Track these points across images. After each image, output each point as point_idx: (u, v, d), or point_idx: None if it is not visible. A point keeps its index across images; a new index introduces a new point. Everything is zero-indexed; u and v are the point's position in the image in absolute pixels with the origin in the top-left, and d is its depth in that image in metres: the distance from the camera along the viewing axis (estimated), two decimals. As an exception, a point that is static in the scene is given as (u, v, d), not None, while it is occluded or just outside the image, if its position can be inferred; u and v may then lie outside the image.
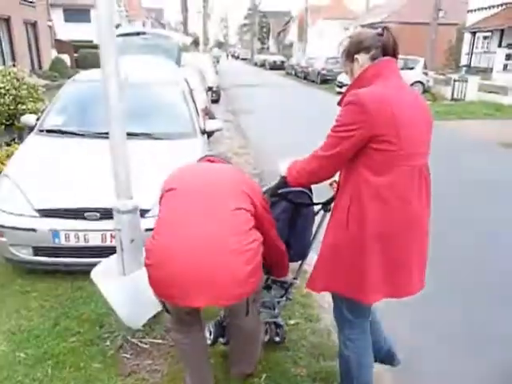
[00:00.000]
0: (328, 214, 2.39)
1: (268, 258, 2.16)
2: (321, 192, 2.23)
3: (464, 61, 23.52)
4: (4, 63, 10.50)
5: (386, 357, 2.29)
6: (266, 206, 2.08)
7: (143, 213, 3.01)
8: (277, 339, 2.60)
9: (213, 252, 1.73)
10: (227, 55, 75.66)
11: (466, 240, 4.33)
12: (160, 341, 2.63)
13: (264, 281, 2.43)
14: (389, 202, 1.72)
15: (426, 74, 17.76)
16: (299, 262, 2.53)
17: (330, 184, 2.17)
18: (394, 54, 1.83)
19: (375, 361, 2.23)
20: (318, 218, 2.40)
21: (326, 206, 2.32)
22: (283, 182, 2.08)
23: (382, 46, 1.80)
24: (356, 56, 1.84)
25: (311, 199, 2.32)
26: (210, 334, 2.48)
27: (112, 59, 2.32)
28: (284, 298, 2.59)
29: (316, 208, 2.39)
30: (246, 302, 1.94)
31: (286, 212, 2.33)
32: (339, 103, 1.85)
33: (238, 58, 73.81)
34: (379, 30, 1.83)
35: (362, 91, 1.72)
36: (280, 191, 2.19)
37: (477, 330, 2.96)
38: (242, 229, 1.81)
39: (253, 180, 2.21)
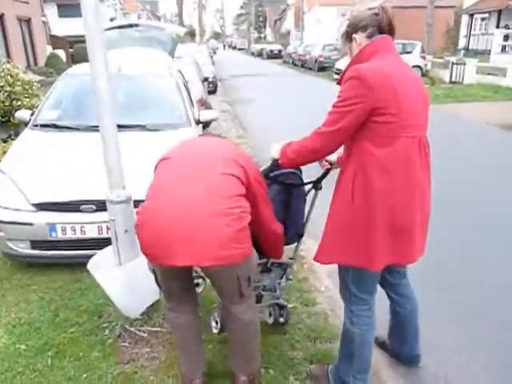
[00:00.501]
0: (318, 192, 2.44)
1: (262, 239, 2.19)
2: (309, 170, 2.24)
3: (462, 43, 23.37)
4: (-1, 60, 10.47)
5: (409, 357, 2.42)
6: (261, 180, 2.04)
7: (137, 203, 3.03)
8: (281, 320, 2.63)
9: (197, 211, 1.74)
10: (224, 46, 75.24)
11: (466, 221, 4.35)
12: (158, 329, 2.66)
13: (264, 264, 2.48)
14: (393, 173, 1.78)
15: (423, 57, 17.66)
16: (295, 244, 2.56)
17: (320, 162, 2.18)
18: (391, 33, 1.89)
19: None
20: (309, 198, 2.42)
21: (316, 184, 2.34)
22: (275, 164, 2.10)
23: (378, 24, 1.87)
24: (354, 35, 1.91)
25: (302, 179, 2.34)
26: (217, 323, 2.49)
27: (99, 51, 2.31)
28: (284, 279, 2.63)
29: (306, 188, 2.40)
30: (238, 281, 1.91)
31: (280, 194, 2.35)
32: (338, 82, 1.90)
33: (234, 48, 73.34)
34: (375, 10, 1.88)
35: (363, 66, 1.77)
36: (271, 174, 2.19)
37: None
38: (228, 193, 1.80)
39: (248, 154, 2.20)
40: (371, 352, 2.11)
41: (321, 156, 2.01)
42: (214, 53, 35.79)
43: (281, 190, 2.33)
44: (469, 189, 5.25)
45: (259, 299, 2.60)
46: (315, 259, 2.04)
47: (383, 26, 1.87)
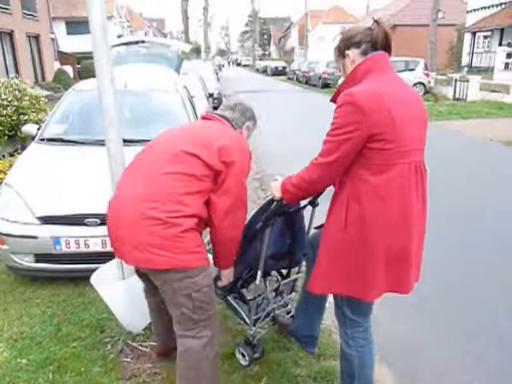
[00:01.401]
0: (317, 208, 2.43)
1: (212, 237, 2.04)
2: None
3: (465, 61, 23.54)
4: (8, 75, 10.62)
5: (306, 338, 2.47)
6: (245, 166, 2.00)
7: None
8: (256, 355, 2.52)
9: (126, 213, 1.86)
10: (228, 62, 76.13)
11: (479, 237, 4.32)
12: (160, 344, 2.64)
13: (276, 289, 2.56)
14: (388, 201, 1.70)
15: (427, 74, 17.79)
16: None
17: None
18: (387, 48, 1.80)
19: (296, 338, 2.48)
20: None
21: (313, 201, 2.35)
22: (281, 204, 2.05)
23: (373, 40, 1.77)
24: (347, 52, 1.82)
25: (299, 202, 2.34)
26: (244, 356, 2.47)
27: (106, 67, 2.35)
28: (293, 293, 2.71)
29: (302, 204, 2.40)
30: (174, 293, 1.88)
31: (285, 225, 2.37)
32: (332, 99, 1.85)
33: (239, 64, 74.22)
34: (370, 25, 1.80)
35: (356, 90, 1.68)
36: (277, 211, 2.15)
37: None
38: (166, 196, 1.82)
39: (240, 141, 2.06)
40: (372, 372, 2.06)
41: (320, 188, 1.89)
42: (220, 69, 36.22)
43: (285, 220, 2.34)
44: (474, 202, 5.23)
45: (274, 321, 2.70)
46: (308, 288, 1.96)
47: (378, 42, 1.78)
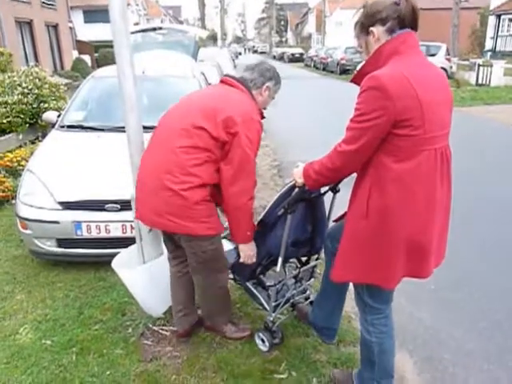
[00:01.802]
0: (338, 195, 2.39)
1: (224, 207, 2.21)
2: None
3: (489, 45, 22.88)
4: (27, 64, 10.75)
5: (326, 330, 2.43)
6: (252, 137, 2.08)
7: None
8: (276, 341, 2.53)
9: (149, 183, 2.13)
10: (245, 49, 75.60)
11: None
12: (180, 328, 2.67)
13: (295, 276, 2.56)
14: (412, 188, 1.64)
15: (448, 60, 17.35)
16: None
17: None
18: (413, 26, 1.67)
19: (315, 329, 2.45)
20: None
21: (334, 188, 2.31)
22: (303, 190, 2.02)
23: (400, 16, 1.64)
24: (371, 28, 1.69)
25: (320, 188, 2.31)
26: (263, 341, 2.48)
27: (126, 53, 2.34)
28: (312, 279, 2.69)
29: (323, 190, 2.37)
30: (190, 248, 2.22)
31: (306, 210, 2.34)
32: (353, 80, 1.77)
33: (256, 51, 73.62)
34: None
35: (382, 73, 1.57)
36: (299, 198, 2.13)
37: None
38: (178, 169, 2.04)
39: (247, 112, 2.10)
40: (392, 359, 2.04)
41: (343, 175, 1.84)
42: (236, 57, 36.01)
43: (306, 206, 2.31)
44: (496, 190, 5.12)
45: (293, 307, 2.69)
46: (331, 278, 1.95)
47: (405, 19, 1.64)
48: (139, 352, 2.48)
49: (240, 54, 57.64)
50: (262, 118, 2.27)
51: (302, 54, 39.07)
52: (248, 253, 2.27)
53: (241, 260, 2.31)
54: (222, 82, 2.30)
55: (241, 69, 2.32)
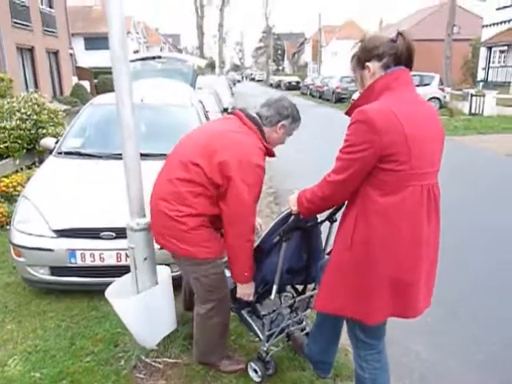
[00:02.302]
0: (335, 225, 2.39)
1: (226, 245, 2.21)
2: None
3: (481, 75, 23.37)
4: (27, 90, 10.86)
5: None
6: (248, 181, 2.08)
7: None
8: (270, 372, 2.49)
9: (153, 206, 2.25)
10: (242, 77, 76.85)
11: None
12: (174, 360, 2.61)
13: (291, 305, 2.54)
14: (397, 223, 1.64)
15: (442, 89, 17.69)
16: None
17: None
18: (408, 63, 1.71)
19: (311, 362, 2.40)
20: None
21: (331, 217, 2.31)
22: (298, 218, 2.03)
23: (396, 53, 1.68)
24: (367, 63, 1.73)
25: (317, 217, 2.31)
26: (256, 372, 2.43)
27: (125, 80, 2.37)
28: (308, 310, 2.66)
29: (320, 218, 2.37)
30: (186, 273, 2.38)
31: (301, 239, 2.34)
32: (347, 113, 1.79)
33: (253, 79, 74.81)
34: (393, 36, 1.70)
35: (371, 108, 1.61)
36: (295, 226, 2.13)
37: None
38: (176, 198, 2.13)
39: (244, 156, 2.09)
40: None
41: (332, 203, 1.87)
42: (234, 84, 36.55)
43: (302, 234, 2.31)
44: (489, 218, 5.13)
45: (289, 337, 2.67)
46: (315, 306, 1.95)
47: (401, 56, 1.69)
48: (131, 386, 2.42)
49: (239, 81, 58.48)
50: (271, 155, 2.29)
51: (298, 83, 39.71)
52: (245, 291, 2.28)
53: (237, 295, 2.30)
54: (234, 114, 2.31)
55: (265, 101, 2.35)
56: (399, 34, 1.70)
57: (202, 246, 2.16)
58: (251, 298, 2.30)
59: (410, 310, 1.79)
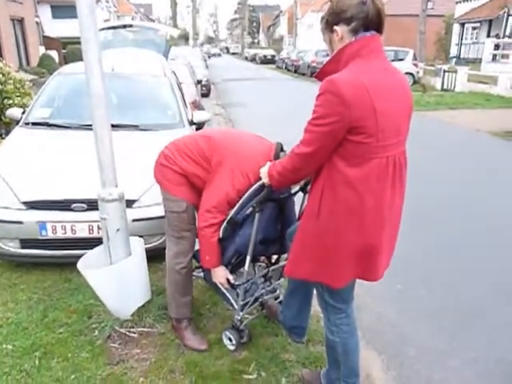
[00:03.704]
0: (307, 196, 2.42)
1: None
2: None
3: (453, 52, 23.65)
4: (-10, 59, 10.37)
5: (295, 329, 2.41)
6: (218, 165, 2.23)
7: (130, 203, 3.01)
8: (245, 340, 2.55)
9: None
10: (222, 50, 75.13)
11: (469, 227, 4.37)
12: (148, 329, 2.63)
13: (265, 275, 2.60)
14: (362, 194, 1.66)
15: (415, 65, 17.85)
16: None
17: None
18: (379, 27, 1.65)
19: (285, 328, 2.42)
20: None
21: (304, 188, 2.34)
22: (271, 190, 2.05)
23: (365, 17, 1.61)
24: (335, 27, 1.67)
25: (291, 188, 2.33)
26: (231, 340, 2.47)
27: (94, 48, 2.29)
28: (281, 279, 2.69)
29: (293, 189, 2.40)
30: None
31: (275, 210, 2.35)
32: (316, 76, 1.76)
33: (227, 52, 73.42)
34: None
35: (340, 78, 1.57)
36: (268, 197, 2.15)
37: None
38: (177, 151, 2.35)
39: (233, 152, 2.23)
40: (357, 357, 2.07)
41: (304, 175, 1.89)
42: (209, 57, 35.81)
43: (275, 206, 2.33)
44: (456, 192, 5.29)
45: (263, 306, 2.72)
46: (284, 273, 2.00)
47: (371, 20, 1.62)
48: (105, 355, 2.43)
49: (220, 55, 56.46)
50: None
51: (273, 56, 39.26)
52: (215, 275, 2.37)
53: (213, 279, 2.39)
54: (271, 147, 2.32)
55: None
56: None
57: (175, 185, 2.34)
58: (225, 285, 2.36)
59: (372, 273, 1.84)
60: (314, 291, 2.19)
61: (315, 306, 2.92)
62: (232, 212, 2.25)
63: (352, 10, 1.63)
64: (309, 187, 2.30)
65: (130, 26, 6.50)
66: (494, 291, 3.23)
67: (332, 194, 1.69)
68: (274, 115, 11.13)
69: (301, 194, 2.39)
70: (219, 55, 56.12)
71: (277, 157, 2.21)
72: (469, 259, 3.71)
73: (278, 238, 2.45)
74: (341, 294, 1.95)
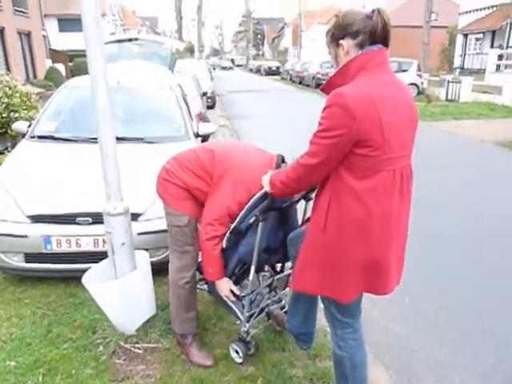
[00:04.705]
0: (310, 202, 2.38)
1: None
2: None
3: (457, 62, 23.68)
4: (-2, 73, 10.50)
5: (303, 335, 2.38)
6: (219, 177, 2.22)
7: (136, 216, 2.99)
8: (252, 351, 2.52)
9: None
10: (233, 62, 75.50)
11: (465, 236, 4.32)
12: (154, 345, 2.59)
13: (269, 284, 2.58)
14: (370, 207, 1.65)
15: (419, 76, 17.90)
16: None
17: None
18: (384, 41, 1.66)
19: (293, 335, 2.39)
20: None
21: (307, 195, 2.31)
22: (273, 199, 2.04)
23: (371, 31, 1.63)
24: (341, 41, 1.68)
25: (293, 196, 2.31)
26: (238, 353, 2.44)
27: (99, 62, 2.29)
28: (287, 289, 2.64)
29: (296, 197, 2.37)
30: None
31: (278, 220, 2.34)
32: (322, 89, 1.76)
33: (233, 64, 73.86)
34: (369, 12, 1.63)
35: (348, 92, 1.57)
36: (271, 206, 2.13)
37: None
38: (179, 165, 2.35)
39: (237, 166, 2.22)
40: (365, 372, 2.02)
41: (306, 186, 1.87)
42: (214, 69, 36.04)
43: (277, 214, 2.31)
44: (464, 201, 5.24)
45: (269, 317, 2.68)
46: (290, 285, 1.98)
47: (377, 34, 1.63)
48: (110, 371, 2.39)
49: (231, 68, 54.79)
50: None
51: (278, 68, 39.52)
52: (218, 287, 2.35)
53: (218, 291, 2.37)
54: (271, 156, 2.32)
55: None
56: (376, 10, 1.64)
57: (177, 199, 2.33)
58: (231, 297, 2.33)
59: (381, 287, 1.81)
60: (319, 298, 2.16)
61: (322, 320, 2.90)
62: (235, 221, 2.23)
63: (358, 24, 1.64)
64: (311, 195, 2.31)
65: (136, 39, 6.57)
66: (502, 305, 3.17)
67: (339, 206, 1.68)
68: (279, 127, 11.15)
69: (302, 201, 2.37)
70: (230, 68, 54.59)
71: (278, 168, 2.20)
72: (477, 272, 3.65)
73: (281, 246, 2.42)
74: (348, 309, 1.92)
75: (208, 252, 2.24)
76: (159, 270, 2.93)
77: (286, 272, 2.60)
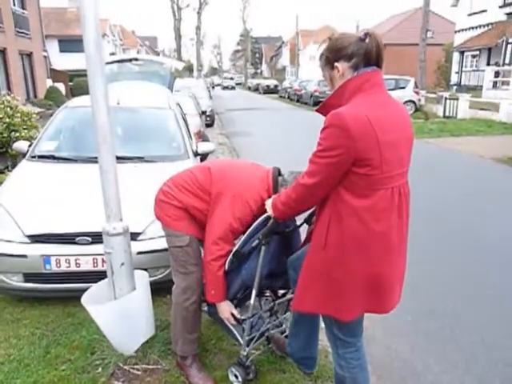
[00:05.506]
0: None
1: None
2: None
3: (454, 79, 23.93)
4: (-1, 93, 10.60)
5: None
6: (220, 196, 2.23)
7: (135, 236, 2.99)
8: (251, 376, 2.49)
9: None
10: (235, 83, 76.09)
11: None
12: (153, 366, 2.56)
13: (270, 309, 2.55)
14: (370, 225, 1.67)
15: (417, 93, 18.07)
16: None
17: None
18: (378, 63, 1.70)
19: (294, 360, 2.37)
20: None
21: (309, 219, 2.32)
22: (278, 222, 2.05)
23: (365, 53, 1.66)
24: (336, 64, 1.71)
25: (295, 220, 2.32)
26: (237, 377, 2.41)
27: (100, 83, 2.33)
28: (288, 313, 2.62)
29: (298, 221, 2.38)
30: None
31: (281, 244, 2.33)
32: (318, 110, 1.79)
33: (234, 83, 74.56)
34: (361, 35, 1.67)
35: (346, 113, 1.60)
36: (274, 230, 2.13)
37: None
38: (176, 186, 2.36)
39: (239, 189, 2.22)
40: None
41: (307, 206, 1.88)
42: (213, 88, 36.33)
43: (280, 239, 2.30)
44: (464, 217, 5.24)
45: (269, 341, 2.65)
46: (292, 307, 1.97)
47: (371, 55, 1.67)
48: (109, 394, 2.36)
49: (233, 88, 53.38)
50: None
51: (276, 86, 39.92)
52: (219, 309, 2.34)
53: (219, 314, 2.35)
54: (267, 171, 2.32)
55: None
56: (367, 34, 1.68)
57: (174, 220, 2.33)
58: (231, 320, 2.32)
59: (383, 305, 1.81)
60: (321, 319, 2.14)
61: (323, 340, 2.87)
62: (238, 244, 2.23)
63: (352, 46, 1.67)
64: (314, 219, 2.31)
65: (136, 59, 6.64)
66: (507, 322, 3.14)
67: (339, 225, 1.69)
68: (277, 144, 11.21)
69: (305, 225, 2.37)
70: (233, 88, 53.04)
71: (275, 180, 2.22)
72: (479, 289, 3.63)
73: (283, 271, 2.41)
74: (350, 328, 1.91)
75: (212, 273, 2.23)
76: (158, 289, 2.92)
77: (288, 296, 2.57)
